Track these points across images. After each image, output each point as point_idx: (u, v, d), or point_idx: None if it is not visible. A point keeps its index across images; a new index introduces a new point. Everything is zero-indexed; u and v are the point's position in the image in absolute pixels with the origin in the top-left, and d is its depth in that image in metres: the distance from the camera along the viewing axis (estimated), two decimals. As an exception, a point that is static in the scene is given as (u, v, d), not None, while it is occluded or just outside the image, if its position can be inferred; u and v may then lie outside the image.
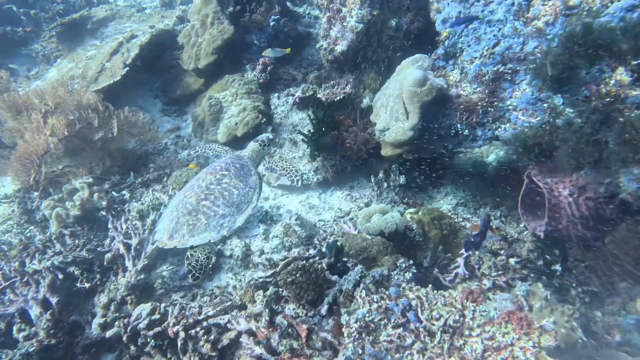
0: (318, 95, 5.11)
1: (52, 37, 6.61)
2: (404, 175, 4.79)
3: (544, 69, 3.67)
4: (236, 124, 5.16)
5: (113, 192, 4.47)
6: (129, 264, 3.62)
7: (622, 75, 3.42)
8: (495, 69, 4.08)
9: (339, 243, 3.63)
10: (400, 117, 4.13)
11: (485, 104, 4.07)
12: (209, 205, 3.10)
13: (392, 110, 4.23)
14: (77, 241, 3.97)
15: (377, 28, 5.30)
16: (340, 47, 5.40)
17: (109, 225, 3.98)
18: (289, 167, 4.23)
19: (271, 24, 5.86)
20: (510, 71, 4.02)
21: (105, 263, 3.75)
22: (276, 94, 5.68)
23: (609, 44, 3.40)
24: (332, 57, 5.52)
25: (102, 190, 4.41)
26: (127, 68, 5.21)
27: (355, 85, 5.67)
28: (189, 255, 3.13)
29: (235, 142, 5.36)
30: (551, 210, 3.85)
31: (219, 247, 4.24)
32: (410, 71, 4.16)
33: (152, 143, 5.05)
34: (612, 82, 3.43)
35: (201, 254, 3.13)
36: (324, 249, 3.92)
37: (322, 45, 5.54)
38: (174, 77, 6.20)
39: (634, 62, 3.36)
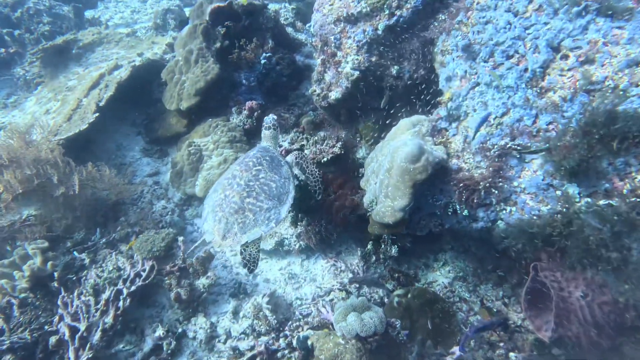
0: (305, 151, 4.63)
1: (35, 61, 6.25)
2: (396, 245, 4.29)
3: (557, 156, 3.15)
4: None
5: (75, 252, 4.07)
6: (71, 355, 3.20)
7: (652, 172, 2.89)
8: (503, 143, 3.55)
9: (309, 342, 3.20)
10: (389, 194, 3.63)
11: (488, 184, 3.55)
12: (253, 202, 3.17)
13: (382, 183, 3.73)
14: (23, 317, 3.57)
15: (376, 75, 4.80)
16: (335, 94, 4.92)
17: (59, 301, 3.57)
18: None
19: (262, 62, 5.40)
20: (519, 147, 3.50)
21: (50, 347, 3.35)
22: (262, 142, 5.23)
23: (638, 135, 2.88)
24: (325, 104, 5.04)
25: (62, 250, 4.02)
26: (97, 114, 4.80)
27: (350, 135, 5.19)
28: (243, 250, 3.26)
29: (214, 196, 4.94)
30: (560, 314, 3.32)
31: (182, 328, 3.80)
32: (403, 141, 3.65)
33: (123, 196, 4.63)
34: (639, 177, 2.91)
35: (253, 248, 3.25)
36: (294, 342, 3.48)
37: (315, 91, 5.07)
38: (158, 114, 5.78)
39: (667, 160, 2.83)
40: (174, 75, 5.40)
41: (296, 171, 3.94)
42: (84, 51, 6.46)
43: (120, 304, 3.55)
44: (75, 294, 3.62)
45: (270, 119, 3.95)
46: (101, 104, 4.96)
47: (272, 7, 8.32)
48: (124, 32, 7.02)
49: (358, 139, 5.23)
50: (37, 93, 5.95)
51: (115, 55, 6.28)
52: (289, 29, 7.74)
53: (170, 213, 4.87)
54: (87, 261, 3.95)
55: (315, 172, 3.86)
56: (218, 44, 5.29)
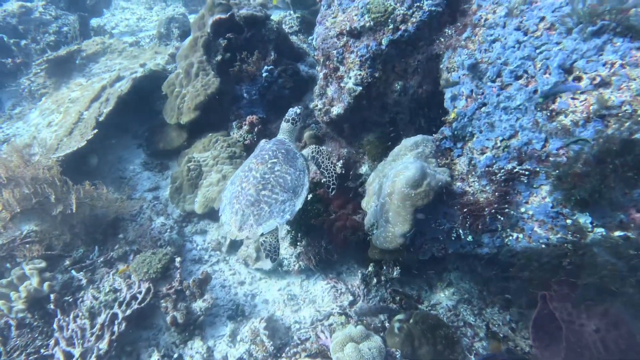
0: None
1: (40, 72, 6.25)
2: (399, 267, 4.17)
3: (567, 184, 2.99)
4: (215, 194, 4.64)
5: (73, 271, 4.03)
6: (65, 385, 3.15)
7: (670, 206, 2.72)
8: (510, 167, 3.40)
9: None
10: (390, 219, 3.51)
11: (494, 210, 3.40)
12: (268, 195, 3.25)
13: (383, 207, 3.61)
14: (20, 340, 3.53)
15: (379, 90, 4.67)
16: (337, 109, 4.79)
17: (55, 325, 3.53)
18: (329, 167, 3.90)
19: (264, 75, 5.30)
20: (527, 172, 3.34)
21: (45, 372, 3.31)
22: (263, 157, 5.14)
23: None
24: (327, 119, 4.92)
25: (60, 269, 3.98)
26: (96, 131, 4.75)
27: (353, 151, 5.07)
28: (263, 242, 3.32)
29: (212, 214, 4.85)
30: (570, 348, 3.17)
31: (178, 352, 3.74)
32: (405, 165, 3.52)
33: (121, 213, 4.58)
34: (657, 212, 2.74)
35: (272, 238, 3.32)
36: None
37: (316, 105, 4.95)
38: (159, 126, 5.73)
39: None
40: (175, 89, 5.34)
41: (313, 167, 3.92)
42: (88, 61, 6.45)
43: (116, 328, 3.49)
44: (72, 316, 3.57)
45: (293, 111, 3.92)
46: (101, 119, 4.91)
47: (276, 15, 8.25)
48: (128, 41, 6.99)
49: (362, 153, 5.11)
50: (40, 104, 5.96)
51: (118, 66, 6.25)
52: (294, 37, 7.63)
53: (169, 230, 4.81)
54: (84, 281, 3.90)
55: (331, 167, 3.82)
56: (219, 57, 5.21)
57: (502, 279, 4.02)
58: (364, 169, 5.01)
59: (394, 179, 3.49)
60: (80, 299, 3.79)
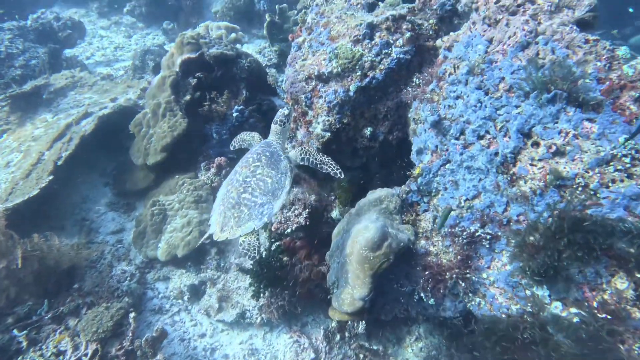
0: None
1: (4, 107, 6.05)
2: (364, 322, 4.02)
3: (523, 256, 2.91)
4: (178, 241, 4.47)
5: (14, 331, 3.79)
6: None
7: (622, 284, 2.64)
8: (472, 229, 3.33)
9: None
10: (349, 281, 3.39)
11: (455, 275, 3.30)
12: (248, 197, 3.35)
13: (342, 267, 3.49)
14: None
15: (348, 135, 4.60)
16: (305, 154, 4.70)
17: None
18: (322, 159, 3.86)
19: (234, 115, 5.20)
20: (489, 236, 3.27)
21: None
22: (230, 202, 5.00)
23: (608, 245, 2.64)
24: (296, 163, 4.82)
25: (1, 328, 3.74)
26: (52, 177, 4.56)
27: (325, 194, 4.96)
28: (242, 242, 3.38)
29: (176, 262, 4.68)
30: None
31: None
32: (365, 225, 3.41)
33: (76, 262, 4.37)
34: (610, 290, 2.66)
35: (252, 237, 3.38)
36: None
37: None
38: (127, 164, 5.56)
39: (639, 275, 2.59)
40: (142, 128, 5.20)
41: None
42: (56, 96, 6.27)
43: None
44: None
45: (281, 113, 3.94)
46: (59, 162, 4.73)
47: (256, 46, 8.22)
48: (103, 72, 6.85)
49: (333, 197, 5.01)
50: (1, 141, 5.73)
51: (87, 100, 6.09)
52: (272, 70, 7.59)
53: (129, 278, 4.61)
54: (24, 344, 3.66)
55: (326, 159, 3.81)
56: (188, 97, 5.10)
57: (471, 334, 3.89)
58: (334, 213, 4.89)
59: (353, 239, 3.39)
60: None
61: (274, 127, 3.94)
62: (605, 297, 2.61)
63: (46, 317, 3.96)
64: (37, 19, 7.93)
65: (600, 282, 2.67)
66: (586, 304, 2.68)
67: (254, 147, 3.93)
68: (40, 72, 6.68)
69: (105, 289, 4.41)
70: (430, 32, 4.65)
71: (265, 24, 7.12)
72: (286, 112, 3.95)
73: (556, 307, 2.84)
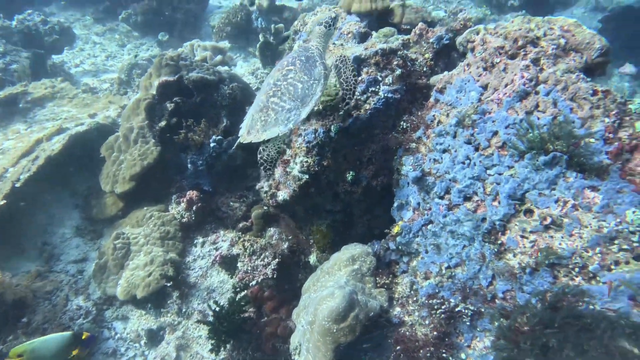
0: (238, 263, 4.04)
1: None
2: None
3: (504, 348, 2.53)
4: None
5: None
6: None
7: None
8: (453, 303, 2.96)
9: None
10: (310, 350, 3.02)
11: (429, 354, 2.92)
12: (276, 102, 3.24)
13: (304, 334, 3.12)
14: None
15: (329, 178, 4.24)
16: (283, 194, 4.33)
17: None
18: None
19: (211, 145, 4.87)
20: (470, 312, 2.90)
21: None
22: (201, 239, 4.64)
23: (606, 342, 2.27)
24: (274, 203, 4.46)
25: None
26: (4, 202, 4.24)
27: (304, 236, 4.62)
28: (261, 150, 3.32)
29: (135, 302, 4.33)
30: None
31: None
32: (331, 291, 3.04)
33: (25, 295, 4.04)
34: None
35: (272, 149, 3.34)
36: None
37: (262, 187, 4.51)
38: (99, 188, 5.23)
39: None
40: (113, 153, 4.89)
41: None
42: (33, 106, 5.99)
43: None
44: None
45: (327, 16, 3.73)
46: (17, 184, 4.40)
47: (250, 66, 7.92)
48: (88, 83, 6.56)
49: (312, 240, 4.65)
50: (-30, 152, 5.45)
51: (65, 114, 5.80)
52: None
53: (83, 316, 4.26)
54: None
55: (352, 80, 3.62)
56: (164, 122, 4.78)
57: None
58: (312, 259, 4.54)
59: (317, 306, 3.02)
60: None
61: (318, 29, 3.73)
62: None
63: (-19, 362, 3.62)
64: (23, 20, 7.63)
65: (594, 389, 2.29)
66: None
67: (292, 51, 3.75)
68: (19, 78, 6.39)
69: (55, 325, 4.06)
70: (425, 69, 4.33)
71: (258, 45, 6.83)
72: (333, 15, 3.74)
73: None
